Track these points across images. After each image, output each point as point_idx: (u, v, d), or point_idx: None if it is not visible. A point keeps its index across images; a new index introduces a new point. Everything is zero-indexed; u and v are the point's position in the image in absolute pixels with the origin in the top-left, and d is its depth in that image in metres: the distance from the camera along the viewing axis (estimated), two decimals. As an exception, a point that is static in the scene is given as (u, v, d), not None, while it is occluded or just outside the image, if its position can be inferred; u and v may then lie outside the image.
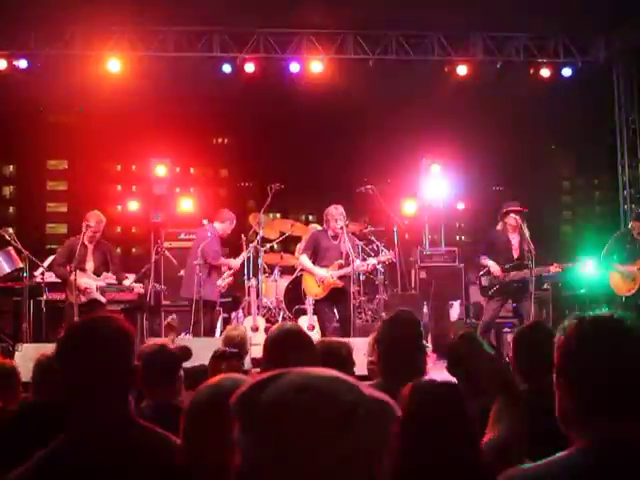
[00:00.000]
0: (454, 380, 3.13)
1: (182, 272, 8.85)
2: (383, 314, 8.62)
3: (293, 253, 10.32)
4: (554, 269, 8.15)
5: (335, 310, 8.15)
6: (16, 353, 6.90)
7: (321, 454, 1.08)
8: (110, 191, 31.36)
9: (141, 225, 18.01)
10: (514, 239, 8.24)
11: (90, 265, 8.05)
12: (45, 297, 8.45)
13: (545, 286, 9.76)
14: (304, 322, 8.34)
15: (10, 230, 8.80)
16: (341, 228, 7.99)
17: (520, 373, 3.11)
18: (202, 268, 8.32)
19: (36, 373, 3.60)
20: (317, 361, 3.05)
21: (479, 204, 17.03)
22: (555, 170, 27.38)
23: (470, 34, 11.12)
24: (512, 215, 8.14)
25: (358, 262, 8.07)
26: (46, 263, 8.75)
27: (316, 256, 8.21)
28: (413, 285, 10.16)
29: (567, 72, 11.39)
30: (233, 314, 9.61)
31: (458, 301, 9.77)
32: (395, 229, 9.84)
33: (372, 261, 8.40)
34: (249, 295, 8.93)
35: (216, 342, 5.97)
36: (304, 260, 8.28)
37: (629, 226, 8.84)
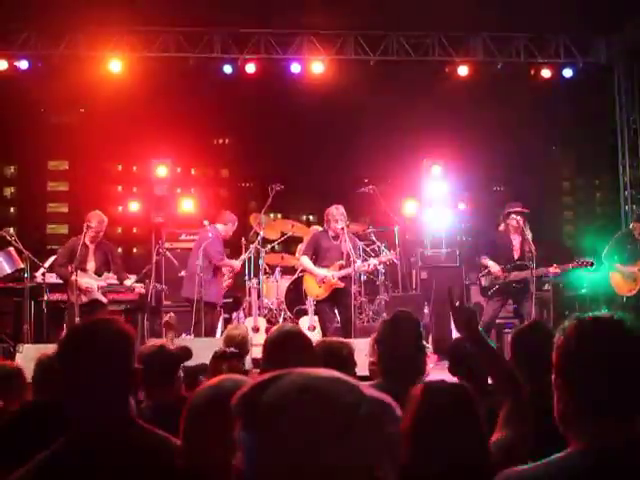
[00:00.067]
0: (456, 381, 3.14)
1: (183, 272, 8.85)
2: (384, 314, 8.62)
3: (294, 254, 10.32)
4: (553, 270, 8.16)
5: (336, 311, 8.15)
6: (17, 354, 6.90)
7: (322, 455, 1.08)
8: (111, 192, 31.39)
9: (142, 226, 18.02)
10: (515, 240, 8.24)
11: (91, 265, 8.06)
12: (46, 298, 8.44)
13: (546, 287, 9.76)
14: (305, 323, 8.34)
15: (11, 230, 8.82)
16: (342, 228, 7.99)
17: (519, 373, 3.10)
18: (206, 269, 8.30)
19: (37, 373, 3.60)
20: (316, 362, 3.05)
21: (480, 204, 17.05)
22: (556, 171, 27.39)
23: (471, 35, 11.12)
24: (514, 216, 8.13)
25: (359, 262, 8.07)
26: (47, 263, 8.75)
27: (317, 257, 8.21)
28: (414, 286, 10.15)
29: (568, 73, 11.37)
30: (234, 315, 9.61)
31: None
32: (396, 229, 9.84)
33: (373, 261, 8.39)
34: (250, 296, 8.94)
35: (217, 342, 5.96)
36: (305, 261, 8.28)
37: (630, 227, 8.84)
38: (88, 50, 10.67)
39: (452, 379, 3.32)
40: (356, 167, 15.92)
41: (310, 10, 10.09)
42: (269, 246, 10.07)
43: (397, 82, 11.79)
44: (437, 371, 4.42)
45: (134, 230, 26.89)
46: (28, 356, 5.93)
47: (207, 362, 3.99)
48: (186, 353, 3.95)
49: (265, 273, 9.65)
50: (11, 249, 8.71)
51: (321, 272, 8.08)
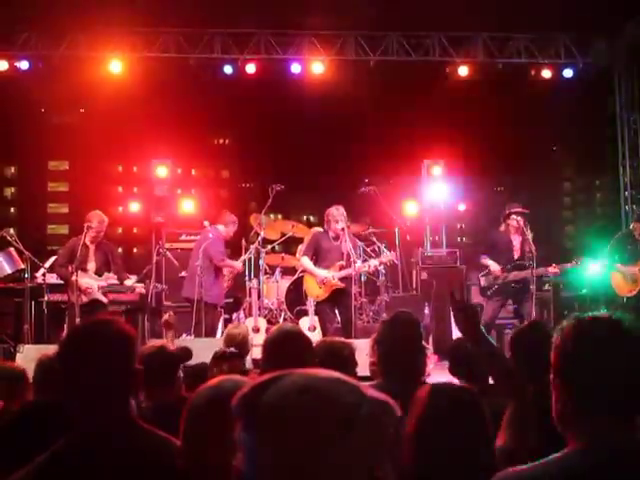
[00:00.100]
0: (456, 381, 3.14)
1: (184, 273, 8.86)
2: (384, 315, 8.62)
3: (294, 254, 10.31)
4: (553, 270, 8.17)
5: (336, 311, 8.15)
6: (17, 354, 6.90)
7: (322, 455, 1.08)
8: (111, 192, 31.34)
9: (142, 226, 18.01)
10: (516, 240, 8.26)
11: (92, 265, 8.05)
12: (46, 298, 8.45)
13: (546, 287, 9.76)
14: (305, 323, 8.33)
15: (11, 231, 8.83)
16: (342, 229, 7.99)
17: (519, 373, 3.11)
18: (207, 270, 8.30)
19: (37, 373, 3.60)
20: (316, 363, 3.05)
21: (480, 205, 17.05)
22: (556, 171, 27.38)
23: (471, 35, 11.12)
24: (514, 217, 8.16)
25: (359, 263, 8.07)
26: (47, 264, 8.75)
27: (317, 257, 8.21)
28: (414, 286, 10.15)
29: (568, 73, 11.37)
30: (234, 315, 9.61)
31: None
32: (396, 230, 9.84)
33: (373, 262, 8.39)
34: (250, 296, 8.93)
35: (217, 342, 5.96)
36: (305, 262, 8.28)
37: (630, 227, 8.84)
38: (88, 51, 10.68)
39: (453, 380, 3.33)
40: (356, 167, 15.91)
41: (310, 10, 10.09)
42: (269, 247, 10.07)
43: (397, 82, 11.79)
44: (437, 371, 4.41)
45: (134, 230, 26.86)
46: (28, 356, 5.93)
47: (207, 362, 4.00)
48: (186, 353, 3.95)
49: (265, 273, 9.65)
50: (11, 249, 8.71)
51: (321, 273, 8.08)
